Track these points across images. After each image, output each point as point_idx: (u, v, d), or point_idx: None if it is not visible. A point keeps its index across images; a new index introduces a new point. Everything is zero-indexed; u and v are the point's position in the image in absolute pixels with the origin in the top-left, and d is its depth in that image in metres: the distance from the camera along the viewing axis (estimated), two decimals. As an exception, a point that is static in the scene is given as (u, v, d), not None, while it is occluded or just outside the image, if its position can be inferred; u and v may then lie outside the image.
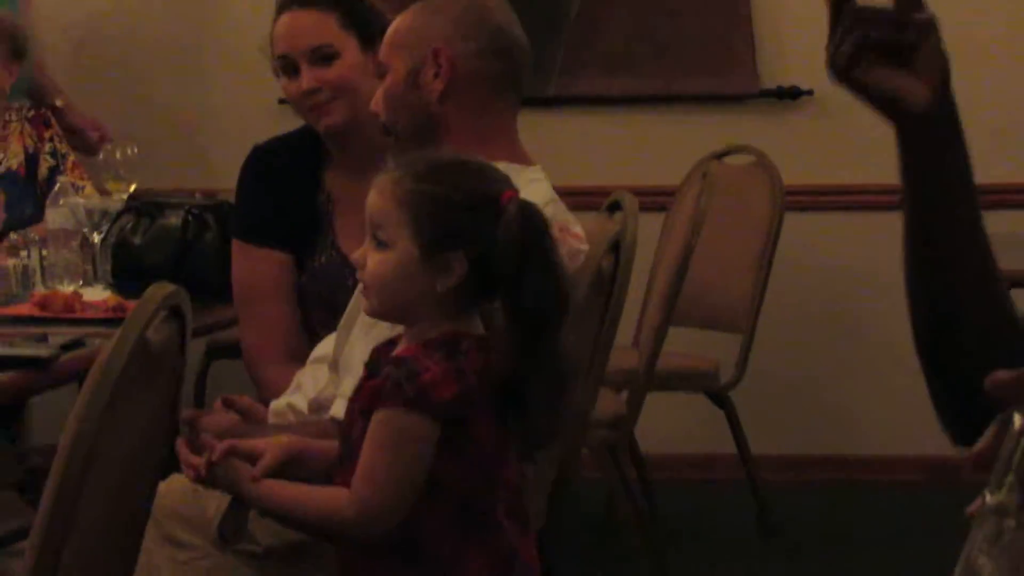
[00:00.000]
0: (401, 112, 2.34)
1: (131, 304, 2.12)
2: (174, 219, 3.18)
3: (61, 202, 3.21)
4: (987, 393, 1.06)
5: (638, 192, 2.61)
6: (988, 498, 1.03)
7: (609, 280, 2.36)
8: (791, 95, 4.65)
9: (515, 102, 2.38)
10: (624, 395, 3.72)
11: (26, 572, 1.66)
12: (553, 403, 1.88)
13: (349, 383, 2.06)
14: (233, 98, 4.77)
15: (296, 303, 2.74)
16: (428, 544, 1.86)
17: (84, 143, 4.24)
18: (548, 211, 2.26)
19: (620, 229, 2.41)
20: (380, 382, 1.84)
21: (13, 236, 3.30)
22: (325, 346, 2.35)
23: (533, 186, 2.29)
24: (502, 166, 2.24)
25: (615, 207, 2.51)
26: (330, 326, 2.36)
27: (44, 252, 3.15)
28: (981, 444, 1.07)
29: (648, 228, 3.22)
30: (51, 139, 4.08)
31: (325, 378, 2.30)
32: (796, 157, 4.53)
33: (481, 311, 1.90)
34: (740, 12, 4.63)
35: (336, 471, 1.92)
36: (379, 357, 1.93)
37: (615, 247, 2.37)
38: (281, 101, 4.07)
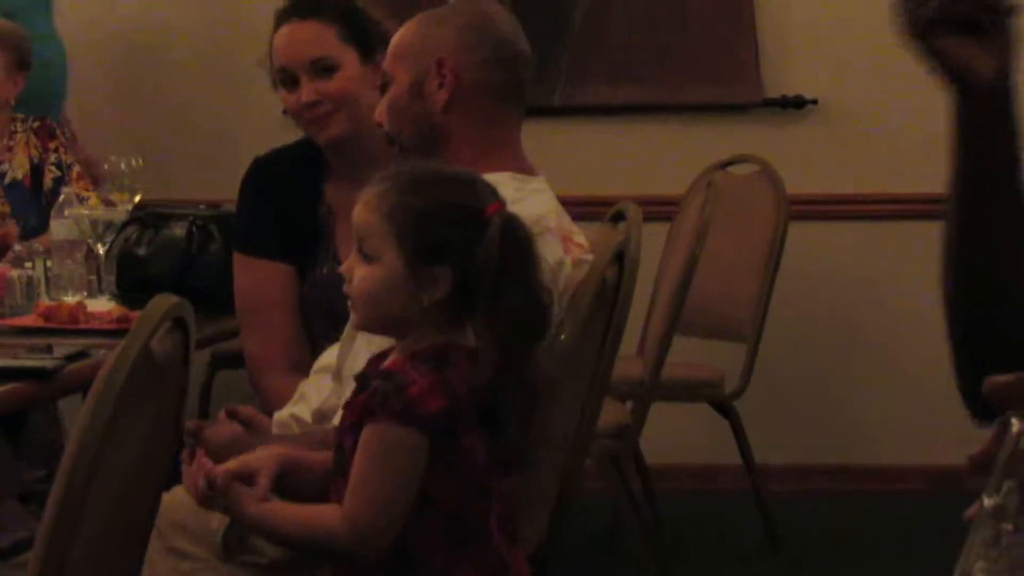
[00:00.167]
0: (405, 122, 2.34)
1: (135, 315, 2.12)
2: (178, 230, 3.19)
3: (66, 213, 3.22)
4: (985, 397, 1.07)
5: (642, 202, 2.61)
6: (986, 502, 1.03)
7: (613, 290, 2.36)
8: (795, 104, 4.65)
9: (519, 112, 2.38)
10: (628, 405, 3.72)
11: (30, 584, 1.66)
12: (521, 422, 1.86)
13: (352, 393, 2.06)
14: (239, 109, 4.78)
15: (298, 314, 2.74)
16: (419, 556, 1.86)
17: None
18: (552, 221, 2.27)
19: (624, 239, 2.41)
20: (368, 396, 1.84)
21: (18, 247, 3.30)
22: (328, 356, 2.35)
23: (537, 196, 2.29)
24: (506, 176, 2.24)
25: (619, 217, 2.50)
26: (332, 336, 2.36)
27: (48, 263, 3.16)
28: (980, 447, 1.07)
29: (652, 238, 3.22)
30: (56, 150, 4.08)
31: (328, 388, 2.29)
32: (800, 166, 4.53)
33: (473, 322, 1.89)
34: (744, 21, 4.64)
35: (331, 486, 1.92)
36: (370, 369, 1.93)
37: (619, 257, 2.37)
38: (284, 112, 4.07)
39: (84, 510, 1.66)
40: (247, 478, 1.91)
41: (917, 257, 4.45)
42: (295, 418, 2.33)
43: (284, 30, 2.75)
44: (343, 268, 1.94)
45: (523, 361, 1.85)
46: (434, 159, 2.21)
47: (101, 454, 1.66)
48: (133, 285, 3.13)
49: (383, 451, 1.82)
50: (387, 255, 1.87)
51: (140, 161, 3.38)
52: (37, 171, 4.06)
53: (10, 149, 4.07)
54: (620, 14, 4.70)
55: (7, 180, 4.04)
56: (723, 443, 4.16)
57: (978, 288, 1.41)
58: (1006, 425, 1.04)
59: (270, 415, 2.39)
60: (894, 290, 4.52)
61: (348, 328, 2.28)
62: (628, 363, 3.56)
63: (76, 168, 4.07)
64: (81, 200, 3.36)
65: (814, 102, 4.64)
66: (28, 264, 3.17)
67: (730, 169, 4.38)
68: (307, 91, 2.71)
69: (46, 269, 3.15)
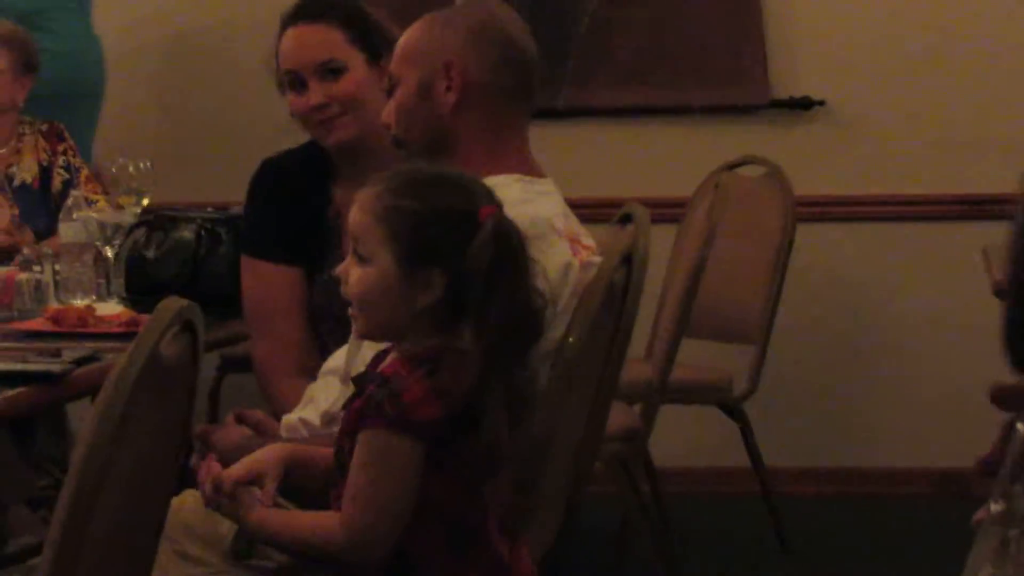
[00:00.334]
0: (413, 125, 2.34)
1: (144, 318, 2.12)
2: (187, 233, 3.18)
3: (74, 216, 3.22)
4: (992, 400, 1.07)
5: (650, 204, 2.60)
6: (993, 507, 1.03)
7: (621, 292, 2.36)
8: (803, 106, 4.64)
9: (527, 114, 2.37)
10: (637, 408, 3.72)
11: (39, 588, 1.66)
12: (508, 424, 1.85)
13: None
14: (247, 111, 4.78)
15: (307, 317, 2.74)
16: (420, 561, 1.86)
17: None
18: (560, 223, 2.27)
19: (632, 241, 2.40)
20: (363, 402, 1.84)
21: (26, 250, 3.30)
22: (336, 359, 2.35)
23: (544, 198, 2.29)
24: (514, 178, 2.24)
25: (627, 219, 2.50)
26: (340, 339, 2.35)
27: (57, 266, 3.16)
28: (986, 453, 1.07)
29: (660, 240, 3.22)
30: (64, 152, 4.09)
31: (337, 391, 2.29)
32: (808, 168, 4.53)
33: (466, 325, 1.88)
34: (751, 23, 4.63)
35: (332, 490, 1.91)
36: (370, 369, 1.93)
37: (627, 259, 2.37)
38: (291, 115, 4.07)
39: (93, 514, 1.66)
40: (254, 480, 1.91)
41: (926, 259, 4.46)
42: (303, 421, 2.33)
43: (291, 33, 2.74)
44: (339, 270, 1.95)
45: (513, 364, 1.85)
46: (442, 161, 2.21)
47: (110, 458, 1.66)
48: (142, 288, 3.12)
49: (378, 458, 1.82)
50: (381, 257, 1.87)
51: (148, 164, 3.38)
52: (46, 174, 4.06)
53: (18, 152, 4.07)
54: (627, 16, 4.70)
55: (16, 183, 4.05)
56: (732, 446, 4.16)
57: None
58: (1011, 430, 1.04)
59: (279, 418, 2.39)
60: (903, 292, 4.52)
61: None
62: (637, 366, 3.56)
63: (85, 171, 4.07)
64: (90, 203, 3.36)
65: (822, 103, 4.63)
66: (37, 267, 3.17)
67: (738, 171, 4.38)
68: (315, 94, 2.71)
69: (55, 272, 3.15)
